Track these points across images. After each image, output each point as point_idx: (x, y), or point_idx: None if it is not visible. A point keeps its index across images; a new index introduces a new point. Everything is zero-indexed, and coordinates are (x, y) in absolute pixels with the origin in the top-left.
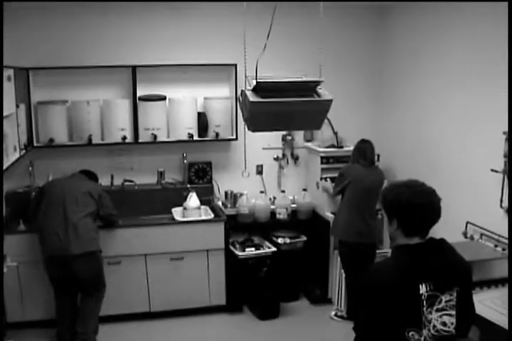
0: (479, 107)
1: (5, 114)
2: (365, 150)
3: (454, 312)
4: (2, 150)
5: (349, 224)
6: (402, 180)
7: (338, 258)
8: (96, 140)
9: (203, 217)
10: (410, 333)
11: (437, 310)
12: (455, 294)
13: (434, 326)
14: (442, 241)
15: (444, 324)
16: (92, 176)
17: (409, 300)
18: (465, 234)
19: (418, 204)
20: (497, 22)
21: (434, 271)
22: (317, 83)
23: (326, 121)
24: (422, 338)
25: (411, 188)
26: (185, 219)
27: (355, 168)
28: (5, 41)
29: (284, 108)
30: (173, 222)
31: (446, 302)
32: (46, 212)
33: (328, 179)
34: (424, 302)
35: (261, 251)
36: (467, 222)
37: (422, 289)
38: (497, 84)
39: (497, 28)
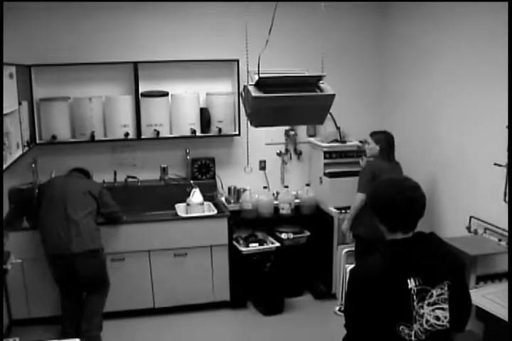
0: (483, 101)
1: (7, 111)
2: (393, 141)
3: (446, 306)
4: (2, 148)
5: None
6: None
7: (343, 253)
8: (98, 136)
9: (206, 213)
10: (400, 327)
11: (429, 304)
12: (446, 288)
13: (428, 320)
14: (431, 234)
15: (437, 318)
16: (86, 174)
17: (398, 295)
18: (469, 229)
19: (396, 200)
20: (497, 19)
21: (423, 265)
22: (319, 78)
23: (328, 116)
24: (413, 332)
25: (391, 183)
26: (189, 215)
27: (383, 165)
28: (7, 39)
29: (286, 103)
30: (177, 217)
31: (437, 296)
32: (47, 211)
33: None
34: (414, 296)
35: (264, 246)
36: (471, 217)
37: (411, 284)
38: (501, 78)
39: (497, 25)
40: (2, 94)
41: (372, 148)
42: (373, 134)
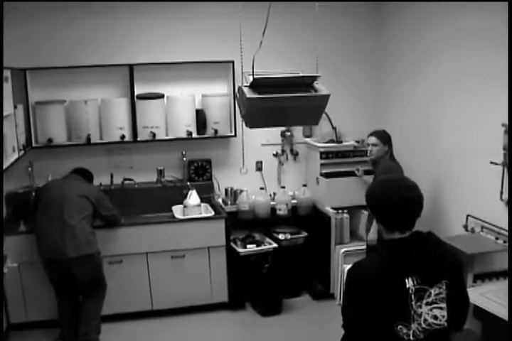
0: (478, 100)
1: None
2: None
3: (444, 305)
4: (2, 151)
5: None
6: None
7: (340, 253)
8: (94, 139)
9: (204, 215)
10: (398, 327)
11: (427, 304)
12: (444, 287)
13: (426, 320)
14: (428, 234)
15: (435, 317)
16: (87, 175)
17: (396, 295)
18: (466, 227)
19: (392, 199)
20: (492, 17)
21: (420, 264)
22: (314, 78)
23: (324, 116)
24: (411, 332)
25: (388, 183)
26: (186, 217)
27: (393, 165)
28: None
29: (281, 104)
30: (174, 219)
31: (435, 295)
32: (43, 215)
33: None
34: (412, 296)
35: (262, 247)
36: (468, 215)
37: (409, 283)
38: (496, 77)
39: (493, 22)
40: (2, 96)
41: (381, 149)
42: (375, 134)
